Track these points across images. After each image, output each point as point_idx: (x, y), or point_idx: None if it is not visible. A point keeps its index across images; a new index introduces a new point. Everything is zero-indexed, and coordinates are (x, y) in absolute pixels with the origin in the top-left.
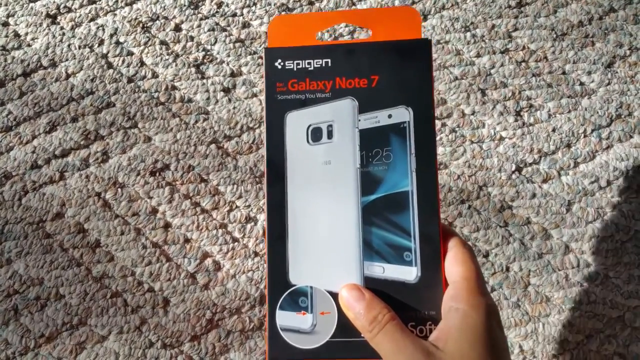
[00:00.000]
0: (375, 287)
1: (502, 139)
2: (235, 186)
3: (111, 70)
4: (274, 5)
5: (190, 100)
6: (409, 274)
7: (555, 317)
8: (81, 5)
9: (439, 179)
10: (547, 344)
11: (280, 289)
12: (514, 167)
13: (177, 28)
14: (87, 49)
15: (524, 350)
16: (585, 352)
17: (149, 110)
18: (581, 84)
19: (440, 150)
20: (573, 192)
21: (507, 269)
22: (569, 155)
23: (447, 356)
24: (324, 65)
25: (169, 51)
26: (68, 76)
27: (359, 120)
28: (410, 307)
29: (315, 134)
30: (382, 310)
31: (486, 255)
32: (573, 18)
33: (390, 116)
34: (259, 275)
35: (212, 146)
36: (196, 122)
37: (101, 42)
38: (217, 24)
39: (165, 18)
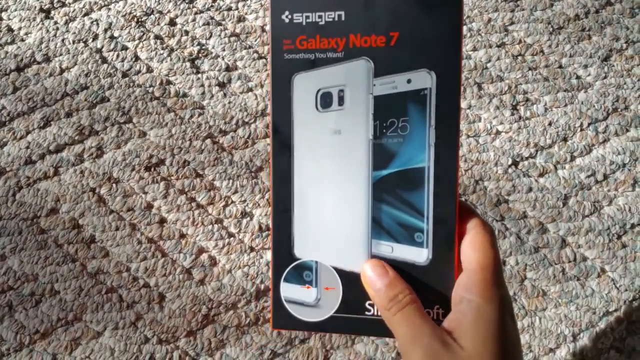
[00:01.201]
0: None
1: (498, 133)
2: (231, 181)
3: (105, 65)
4: None
5: (185, 95)
6: (419, 255)
7: (552, 311)
8: (75, 0)
9: None
10: (543, 338)
11: (285, 261)
12: (510, 161)
13: (172, 22)
14: (81, 44)
15: (521, 344)
16: (582, 346)
17: (144, 105)
18: (577, 77)
19: None
20: (569, 186)
21: (504, 263)
22: (565, 149)
23: (461, 351)
24: (336, 19)
25: (164, 45)
26: (62, 71)
27: (374, 85)
28: (419, 290)
29: (325, 100)
30: (403, 290)
31: None
32: (569, 11)
33: (409, 81)
34: (254, 270)
35: (208, 141)
36: (191, 116)
37: (95, 37)
38: (212, 18)
39: (160, 12)
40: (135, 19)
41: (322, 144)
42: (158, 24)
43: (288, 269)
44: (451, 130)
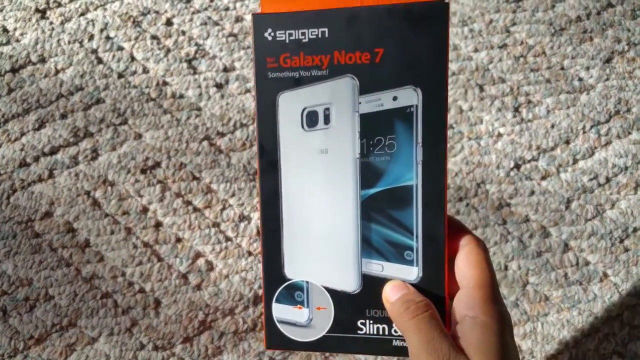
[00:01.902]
0: (373, 285)
1: (500, 135)
2: (229, 184)
3: (101, 66)
4: None
5: (181, 96)
6: (410, 273)
7: (554, 316)
8: (71, 0)
9: None
10: (545, 343)
11: (276, 282)
12: (512, 164)
13: (169, 22)
14: (77, 44)
15: (523, 350)
16: (584, 351)
17: (140, 106)
18: (580, 79)
19: None
20: (572, 189)
21: (506, 268)
22: (567, 152)
23: None
24: (320, 35)
25: (160, 46)
26: (57, 72)
27: (360, 102)
28: None
29: (311, 119)
30: (423, 299)
31: None
32: (571, 13)
33: (395, 98)
34: (252, 275)
35: (205, 143)
36: (188, 118)
37: (91, 37)
38: (209, 17)
39: (157, 12)
40: (132, 19)
41: (309, 163)
42: (154, 24)
43: (279, 289)
44: (438, 147)
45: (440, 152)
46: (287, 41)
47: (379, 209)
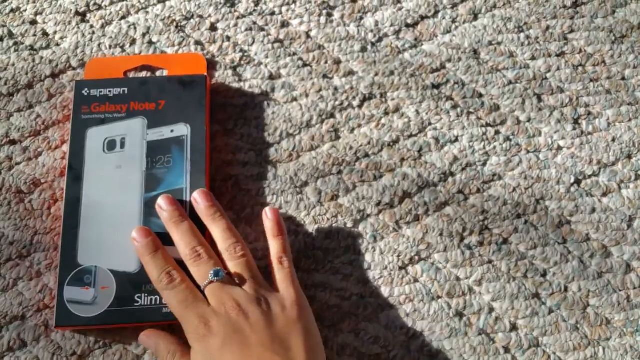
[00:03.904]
0: None
1: (559, 148)
2: (275, 197)
3: (144, 72)
4: (315, 3)
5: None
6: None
7: (617, 341)
8: (111, 3)
9: (495, 191)
10: None
11: (70, 268)
12: (572, 179)
13: (213, 27)
14: (119, 49)
15: None
16: None
17: None
18: None
19: (494, 160)
20: (634, 207)
21: (566, 289)
22: (629, 167)
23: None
24: (121, 92)
25: (205, 52)
26: None
27: (147, 134)
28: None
29: (110, 145)
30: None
31: (544, 275)
32: (633, 19)
33: (172, 131)
34: None
35: (251, 154)
36: (234, 127)
37: (133, 42)
38: (254, 23)
39: (200, 17)
40: (175, 24)
41: (106, 176)
42: (198, 29)
43: (72, 273)
44: (201, 161)
45: (202, 165)
46: (98, 96)
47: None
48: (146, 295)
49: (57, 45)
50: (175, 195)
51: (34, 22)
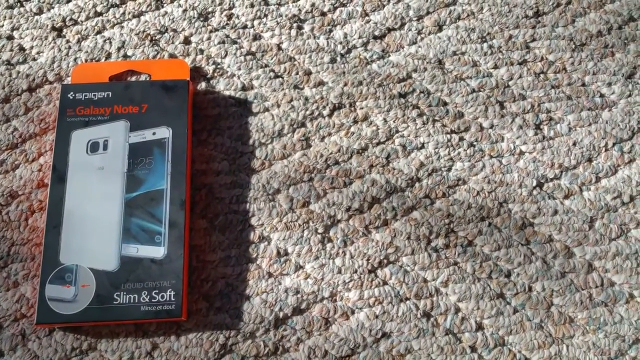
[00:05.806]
0: (130, 264)
1: (522, 153)
2: (248, 204)
3: None
4: (285, 16)
5: None
6: (158, 252)
7: (580, 339)
8: (87, 18)
9: (460, 195)
10: None
11: (52, 267)
12: (534, 183)
13: (187, 41)
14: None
15: None
16: None
17: None
18: (601, 95)
19: (458, 165)
20: (595, 208)
21: (530, 289)
22: (590, 170)
23: None
24: (105, 96)
25: None
26: None
27: (130, 136)
28: (157, 278)
29: (94, 147)
30: None
31: (508, 275)
32: (592, 28)
33: (154, 133)
34: (273, 297)
35: (224, 163)
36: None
37: (108, 56)
38: (227, 36)
39: (174, 30)
40: (149, 37)
41: (89, 176)
42: (172, 43)
43: (53, 272)
44: (182, 163)
45: (183, 167)
46: (83, 99)
47: (138, 207)
48: (125, 293)
49: (34, 59)
50: (155, 196)
51: (10, 37)
